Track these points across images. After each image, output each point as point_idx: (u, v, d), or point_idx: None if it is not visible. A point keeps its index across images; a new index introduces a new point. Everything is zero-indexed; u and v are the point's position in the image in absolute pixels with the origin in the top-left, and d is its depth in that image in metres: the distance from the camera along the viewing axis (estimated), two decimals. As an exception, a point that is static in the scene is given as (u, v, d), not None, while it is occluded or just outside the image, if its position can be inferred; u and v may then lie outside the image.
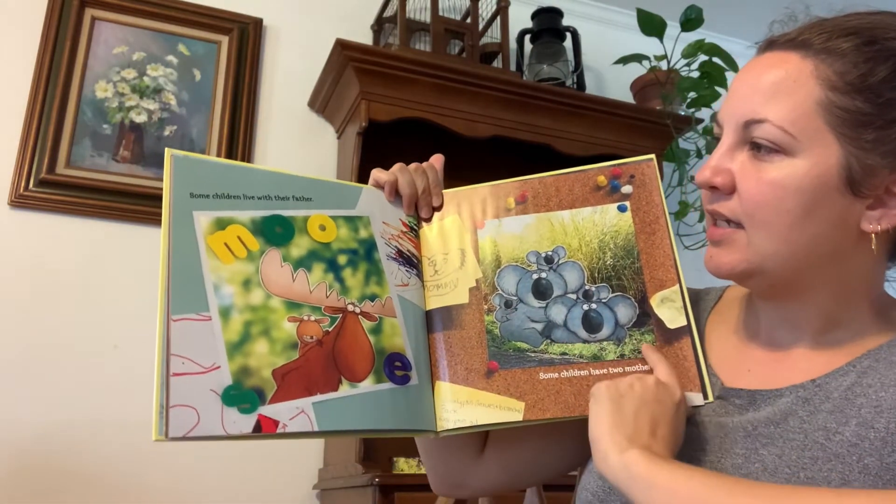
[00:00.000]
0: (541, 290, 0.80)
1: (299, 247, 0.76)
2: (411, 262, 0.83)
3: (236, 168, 0.78)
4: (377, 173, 0.85)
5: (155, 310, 0.65)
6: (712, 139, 1.91)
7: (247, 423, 0.66)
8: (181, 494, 1.76)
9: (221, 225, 0.73)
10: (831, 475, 0.64)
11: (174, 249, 0.70)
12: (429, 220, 0.85)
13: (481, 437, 0.87)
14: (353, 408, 0.71)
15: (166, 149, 0.75)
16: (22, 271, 1.79)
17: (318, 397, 0.70)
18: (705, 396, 0.73)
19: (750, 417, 0.71)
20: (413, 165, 0.86)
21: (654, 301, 0.78)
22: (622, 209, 0.82)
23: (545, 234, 0.82)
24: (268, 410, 0.67)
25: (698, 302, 0.86)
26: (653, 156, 0.84)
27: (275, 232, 0.76)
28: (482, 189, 0.86)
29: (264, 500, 1.83)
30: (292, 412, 0.68)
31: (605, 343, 0.77)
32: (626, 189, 0.82)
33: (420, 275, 0.82)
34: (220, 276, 0.71)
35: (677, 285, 0.78)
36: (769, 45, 0.72)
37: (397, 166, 0.85)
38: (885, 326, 0.72)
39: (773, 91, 0.68)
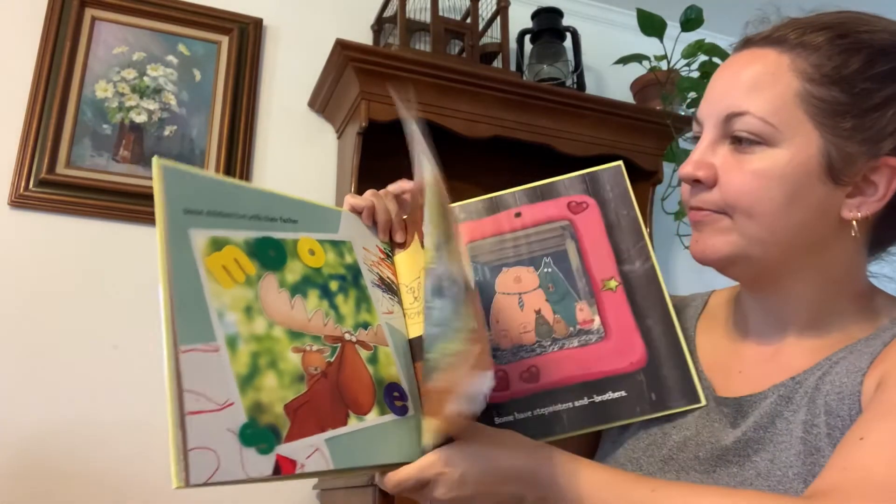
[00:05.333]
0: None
1: (293, 272, 0.72)
2: (392, 289, 0.80)
3: (226, 184, 0.73)
4: (351, 199, 0.83)
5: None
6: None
7: (266, 464, 0.61)
8: (180, 494, 1.76)
9: (218, 246, 0.68)
10: (815, 468, 0.64)
11: (174, 271, 0.64)
12: (403, 244, 0.83)
13: None
14: (364, 442, 0.67)
15: (154, 157, 0.68)
16: (22, 271, 1.79)
17: (330, 433, 0.66)
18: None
19: (743, 427, 0.71)
20: (384, 192, 0.85)
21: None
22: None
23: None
24: (284, 450, 0.62)
25: (684, 309, 0.86)
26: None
27: (269, 255, 0.71)
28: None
29: (264, 500, 1.83)
30: (308, 450, 0.64)
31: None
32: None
33: (400, 302, 0.80)
34: (222, 301, 0.65)
35: None
36: (745, 43, 0.74)
37: (370, 192, 0.84)
38: (869, 321, 0.73)
39: (752, 84, 0.70)
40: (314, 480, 1.89)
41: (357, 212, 0.83)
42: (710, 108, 0.73)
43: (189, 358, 0.61)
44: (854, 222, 0.70)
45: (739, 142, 0.70)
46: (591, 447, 0.84)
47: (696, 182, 0.73)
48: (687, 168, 0.73)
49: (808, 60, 0.69)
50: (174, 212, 0.67)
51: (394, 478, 0.67)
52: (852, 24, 0.70)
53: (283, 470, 0.62)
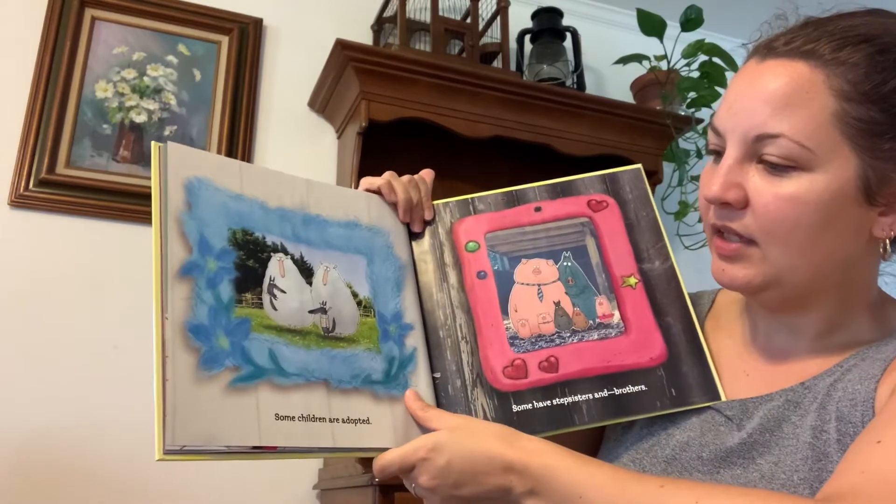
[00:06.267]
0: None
1: None
2: None
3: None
4: (373, 180, 0.83)
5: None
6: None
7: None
8: (181, 494, 1.76)
9: None
10: (822, 474, 0.64)
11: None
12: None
13: None
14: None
15: (153, 143, 0.70)
16: (22, 271, 1.78)
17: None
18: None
19: (748, 429, 0.70)
20: (406, 178, 0.84)
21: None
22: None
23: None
24: None
25: (692, 308, 0.85)
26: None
27: None
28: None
29: (264, 500, 1.83)
30: None
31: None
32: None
33: None
34: None
35: None
36: (769, 51, 0.69)
37: (389, 174, 0.84)
38: (880, 327, 0.72)
39: (785, 103, 0.65)
40: (314, 480, 1.89)
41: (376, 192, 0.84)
42: (735, 123, 0.68)
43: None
44: (887, 241, 0.68)
45: (772, 164, 0.66)
46: (594, 448, 0.84)
47: (724, 204, 0.69)
48: (714, 189, 0.68)
49: (846, 77, 0.65)
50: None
51: (379, 461, 0.67)
52: (890, 37, 0.66)
53: (265, 447, 0.62)
